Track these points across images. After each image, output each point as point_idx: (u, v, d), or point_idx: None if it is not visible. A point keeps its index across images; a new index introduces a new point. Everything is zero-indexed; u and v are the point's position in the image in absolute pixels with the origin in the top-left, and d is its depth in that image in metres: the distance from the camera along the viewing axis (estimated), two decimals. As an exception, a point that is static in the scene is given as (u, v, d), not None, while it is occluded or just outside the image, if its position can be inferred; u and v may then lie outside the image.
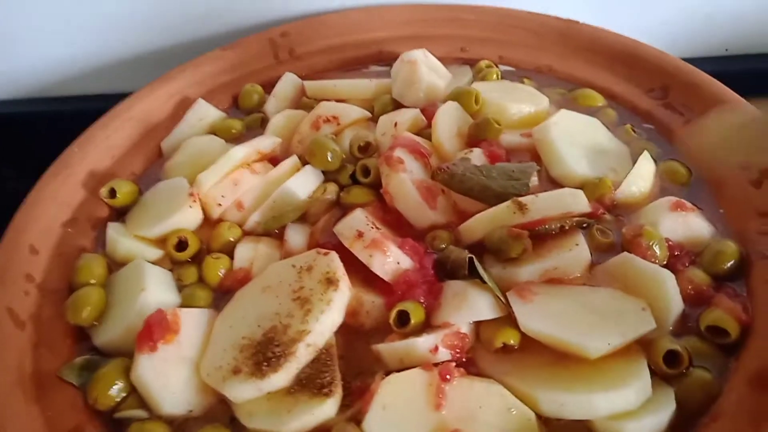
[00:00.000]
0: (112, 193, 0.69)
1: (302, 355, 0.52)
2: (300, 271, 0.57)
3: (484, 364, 0.54)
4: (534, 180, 0.65)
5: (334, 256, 0.57)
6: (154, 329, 0.53)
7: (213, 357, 0.54)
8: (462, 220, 0.64)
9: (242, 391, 0.51)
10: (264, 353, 0.52)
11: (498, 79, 0.81)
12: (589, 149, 0.69)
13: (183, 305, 0.59)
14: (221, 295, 0.61)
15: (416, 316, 0.55)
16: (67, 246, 0.65)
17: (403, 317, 0.55)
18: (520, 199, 0.60)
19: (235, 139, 0.76)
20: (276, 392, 0.51)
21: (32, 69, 1.00)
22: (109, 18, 0.92)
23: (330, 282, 0.55)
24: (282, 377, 0.51)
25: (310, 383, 0.51)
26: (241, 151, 0.67)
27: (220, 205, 0.66)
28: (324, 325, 0.53)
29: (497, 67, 0.83)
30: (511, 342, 0.54)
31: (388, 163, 0.65)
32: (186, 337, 0.55)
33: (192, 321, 0.56)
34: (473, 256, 0.56)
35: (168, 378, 0.53)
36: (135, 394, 0.54)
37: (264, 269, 0.60)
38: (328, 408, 0.50)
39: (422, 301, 0.56)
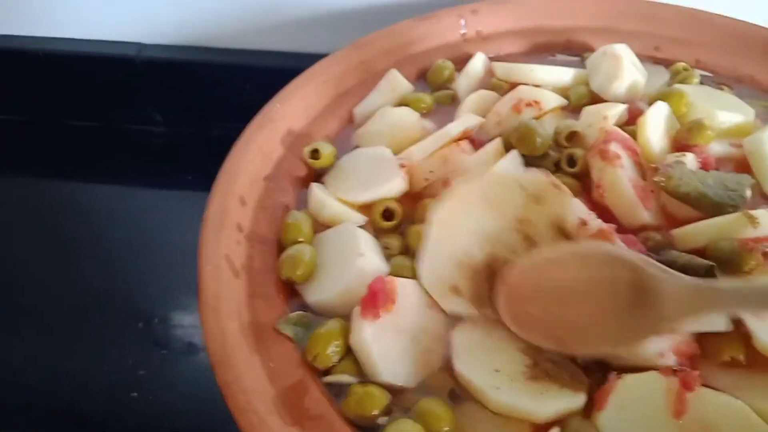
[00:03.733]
0: (315, 153, 0.69)
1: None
2: (527, 197, 0.56)
3: (709, 377, 0.52)
4: (748, 193, 0.63)
5: (568, 196, 0.56)
6: (379, 296, 0.53)
7: (434, 262, 0.55)
8: (670, 224, 0.62)
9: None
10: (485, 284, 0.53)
11: (698, 83, 0.78)
12: (804, 169, 0.66)
13: (392, 274, 0.58)
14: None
15: (642, 316, 0.53)
16: (270, 200, 0.65)
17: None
18: (751, 212, 0.58)
19: (425, 114, 0.76)
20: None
21: (205, 17, 1.01)
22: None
23: (563, 233, 0.54)
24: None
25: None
26: (455, 129, 0.67)
27: (427, 179, 0.66)
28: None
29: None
30: (740, 357, 0.52)
31: (603, 156, 0.63)
32: (402, 306, 0.55)
33: (406, 291, 0.56)
34: (714, 265, 0.54)
35: (388, 346, 0.53)
36: (349, 358, 0.54)
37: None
38: (580, 400, 0.50)
39: (645, 301, 0.55)
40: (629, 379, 0.50)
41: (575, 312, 0.51)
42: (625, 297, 0.49)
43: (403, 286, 0.56)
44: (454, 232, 0.55)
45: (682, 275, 0.48)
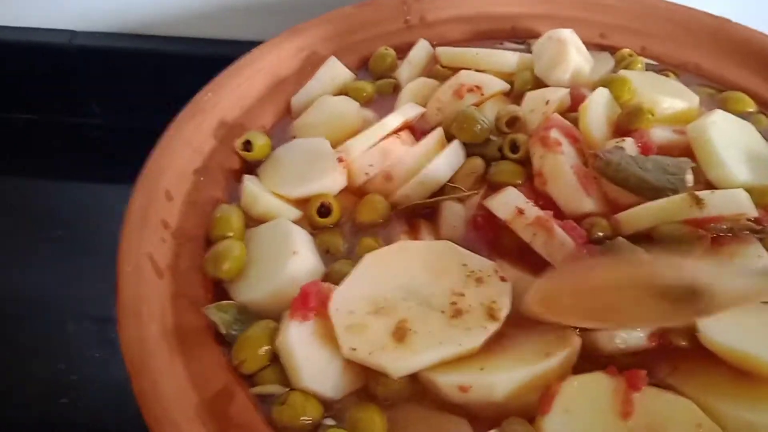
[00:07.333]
0: (247, 145, 0.65)
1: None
2: (468, 276, 0.53)
3: (661, 372, 0.50)
4: (689, 178, 0.61)
5: (508, 288, 0.52)
6: (311, 298, 0.50)
7: (349, 294, 0.51)
8: (613, 210, 0.60)
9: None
10: (396, 334, 0.49)
11: (643, 69, 0.77)
12: (746, 154, 0.65)
13: (328, 277, 0.55)
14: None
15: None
16: (199, 194, 0.62)
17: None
18: (697, 192, 0.57)
19: (366, 103, 0.73)
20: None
21: (138, 3, 0.97)
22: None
23: (492, 316, 0.50)
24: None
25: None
26: (394, 121, 0.64)
27: (367, 174, 0.63)
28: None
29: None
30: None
31: (544, 143, 0.61)
32: (336, 315, 0.51)
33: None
34: None
35: (314, 352, 0.49)
36: (276, 365, 0.50)
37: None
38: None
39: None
40: (574, 381, 0.48)
41: (616, 298, 0.49)
42: (673, 294, 0.47)
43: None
44: (382, 276, 0.52)
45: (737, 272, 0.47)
